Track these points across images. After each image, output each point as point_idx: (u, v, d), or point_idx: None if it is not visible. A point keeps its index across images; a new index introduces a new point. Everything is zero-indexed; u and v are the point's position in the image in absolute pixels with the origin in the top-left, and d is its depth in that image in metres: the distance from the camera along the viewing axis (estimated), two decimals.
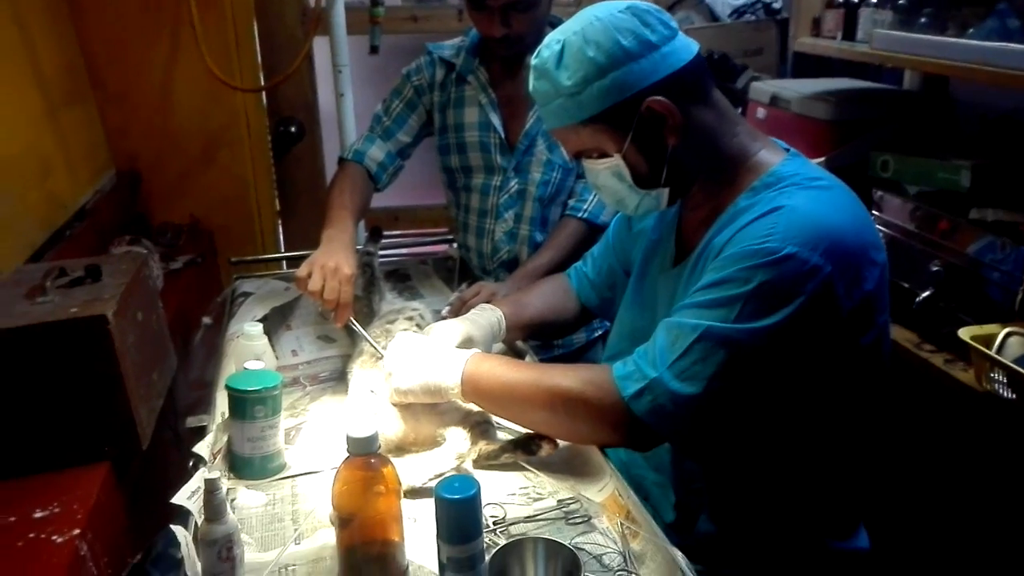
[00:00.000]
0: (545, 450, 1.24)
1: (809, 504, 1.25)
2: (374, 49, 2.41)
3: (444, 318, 1.65)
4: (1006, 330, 1.50)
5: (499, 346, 1.65)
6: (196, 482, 1.08)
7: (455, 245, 2.16)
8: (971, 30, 1.74)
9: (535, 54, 1.22)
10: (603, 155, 1.21)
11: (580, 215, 1.89)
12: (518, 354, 1.65)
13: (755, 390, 1.10)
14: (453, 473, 1.19)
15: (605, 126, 1.18)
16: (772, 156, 1.22)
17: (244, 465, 1.24)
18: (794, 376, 1.10)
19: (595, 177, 1.26)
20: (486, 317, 1.49)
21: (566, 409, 1.20)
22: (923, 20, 1.86)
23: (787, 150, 1.25)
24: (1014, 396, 1.42)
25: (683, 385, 1.09)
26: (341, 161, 1.89)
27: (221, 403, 1.38)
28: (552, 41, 1.19)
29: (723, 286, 1.09)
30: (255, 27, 2.57)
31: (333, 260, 1.50)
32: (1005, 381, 1.44)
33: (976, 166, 1.76)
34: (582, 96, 1.16)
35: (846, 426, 1.21)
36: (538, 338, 1.74)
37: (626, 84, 1.14)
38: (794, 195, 1.12)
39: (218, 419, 1.35)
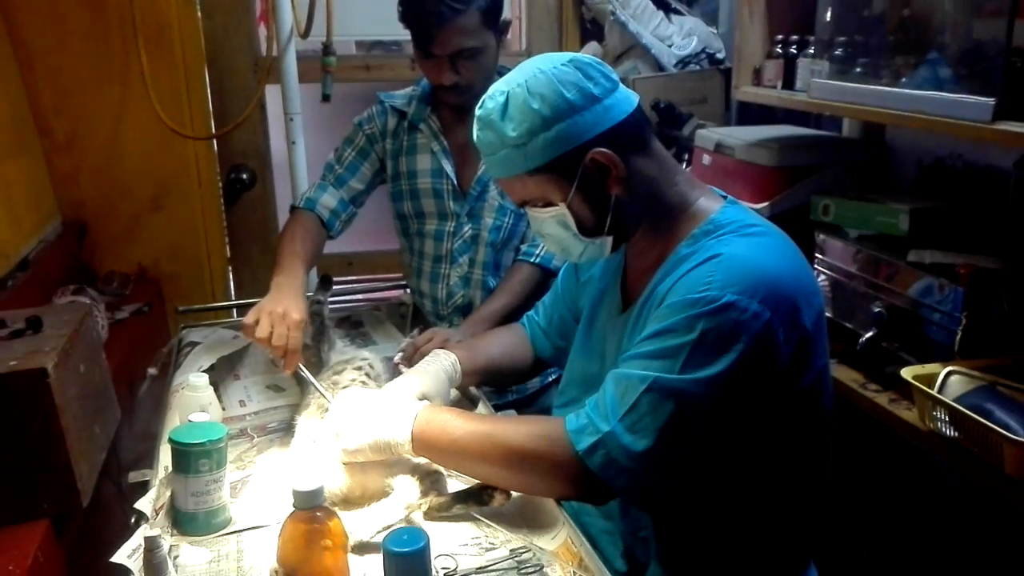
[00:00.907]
0: (497, 500, 1.23)
1: (757, 546, 1.25)
2: (326, 98, 2.42)
3: (396, 365, 1.64)
4: (947, 369, 1.54)
5: (453, 392, 1.65)
6: (137, 540, 1.05)
7: (408, 291, 2.16)
8: (904, 79, 1.81)
9: (479, 105, 1.23)
10: (548, 204, 1.23)
11: (533, 260, 1.91)
12: (471, 401, 1.64)
13: (704, 439, 1.11)
14: (402, 525, 1.18)
15: (551, 176, 1.20)
16: (710, 203, 1.25)
17: (188, 521, 1.20)
18: (740, 422, 1.12)
19: (540, 225, 1.27)
20: (439, 364, 1.48)
21: (520, 464, 1.19)
22: (858, 70, 1.92)
23: (724, 197, 1.28)
24: (956, 434, 1.45)
25: (634, 439, 1.10)
26: (293, 209, 1.88)
27: (164, 457, 1.35)
28: (496, 92, 1.21)
29: (667, 336, 1.11)
30: (206, 75, 2.57)
31: (281, 306, 1.49)
32: (947, 419, 1.47)
33: (914, 210, 1.82)
34: (528, 147, 1.17)
35: (790, 467, 1.22)
36: (493, 385, 1.73)
37: (571, 136, 1.16)
38: (731, 242, 1.15)
39: (161, 473, 1.31)
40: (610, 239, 1.25)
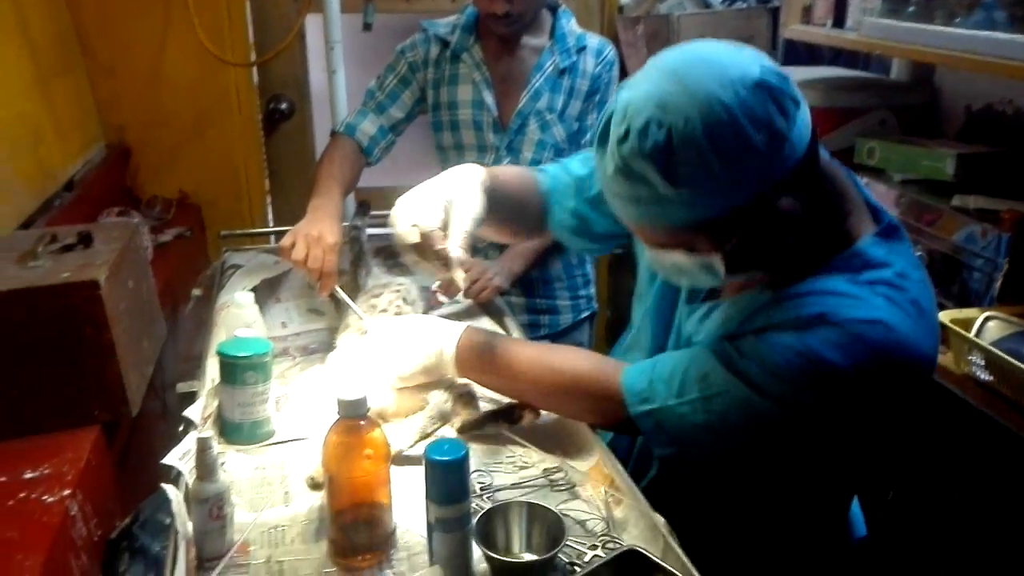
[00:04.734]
0: (527, 419, 1.26)
1: (801, 506, 1.23)
2: (367, 26, 2.41)
3: (434, 292, 1.67)
4: (985, 314, 1.54)
5: (487, 321, 1.67)
6: (187, 444, 1.10)
7: None
8: (958, 19, 1.77)
9: (620, 137, 0.94)
10: (692, 250, 1.00)
11: None
12: (505, 329, 1.67)
13: (767, 448, 1.08)
14: (438, 435, 1.22)
15: (709, 231, 0.97)
16: (860, 225, 1.05)
17: (234, 430, 1.25)
18: (812, 445, 1.08)
19: (668, 263, 1.04)
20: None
21: (564, 396, 1.22)
22: (911, 9, 1.88)
23: (874, 210, 1.08)
24: (991, 378, 1.46)
25: (696, 425, 1.07)
26: (333, 134, 1.89)
27: (211, 370, 1.39)
28: (649, 124, 0.91)
29: (783, 376, 0.99)
30: (247, 2, 2.57)
31: (317, 229, 1.51)
32: (983, 363, 1.47)
33: (960, 155, 1.79)
34: (691, 203, 0.93)
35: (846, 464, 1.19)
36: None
37: (750, 186, 0.92)
38: (892, 310, 0.97)
39: (208, 385, 1.36)
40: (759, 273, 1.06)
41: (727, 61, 0.92)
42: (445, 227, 1.19)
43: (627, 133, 0.92)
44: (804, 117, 0.94)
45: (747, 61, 0.93)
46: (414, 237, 1.17)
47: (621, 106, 0.95)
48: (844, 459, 1.14)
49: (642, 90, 0.94)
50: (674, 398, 1.08)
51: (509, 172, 1.39)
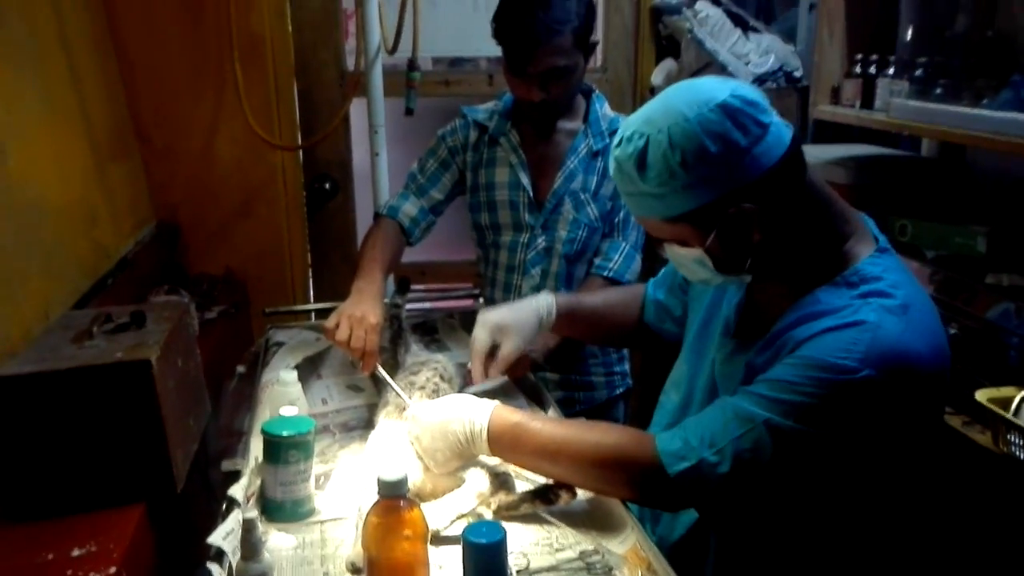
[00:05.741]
0: (564, 499, 1.27)
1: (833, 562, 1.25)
2: (409, 111, 2.51)
3: (470, 371, 1.70)
4: (1023, 393, 1.52)
5: (523, 397, 1.70)
6: (231, 523, 1.12)
7: (481, 300, 2.21)
8: (986, 100, 1.79)
9: (615, 144, 1.17)
10: (685, 244, 1.18)
11: (606, 274, 1.95)
12: (541, 404, 1.69)
13: (800, 481, 1.12)
14: (475, 514, 1.23)
15: (688, 224, 1.14)
16: (859, 248, 1.17)
17: (276, 509, 1.28)
18: (842, 473, 1.12)
19: (675, 256, 1.23)
20: (529, 301, 1.58)
21: (600, 473, 1.23)
22: (939, 91, 1.92)
23: (876, 239, 1.20)
24: None
25: (730, 468, 1.11)
26: (376, 216, 1.96)
27: (255, 448, 1.42)
28: (635, 134, 1.13)
29: (793, 388, 1.08)
30: (295, 88, 2.69)
31: (360, 310, 1.57)
32: (1022, 443, 1.46)
33: (992, 232, 1.80)
34: (665, 198, 1.12)
35: (881, 508, 1.22)
36: (593, 340, 1.80)
37: (712, 189, 1.10)
38: (882, 315, 1.08)
39: (252, 463, 1.39)
40: (749, 276, 1.21)
41: (705, 87, 1.12)
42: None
43: (621, 140, 1.15)
44: (775, 139, 1.10)
45: (719, 88, 1.11)
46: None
47: (626, 121, 1.17)
48: (872, 486, 1.17)
49: (643, 110, 1.16)
50: (707, 450, 1.13)
51: (603, 297, 1.73)
